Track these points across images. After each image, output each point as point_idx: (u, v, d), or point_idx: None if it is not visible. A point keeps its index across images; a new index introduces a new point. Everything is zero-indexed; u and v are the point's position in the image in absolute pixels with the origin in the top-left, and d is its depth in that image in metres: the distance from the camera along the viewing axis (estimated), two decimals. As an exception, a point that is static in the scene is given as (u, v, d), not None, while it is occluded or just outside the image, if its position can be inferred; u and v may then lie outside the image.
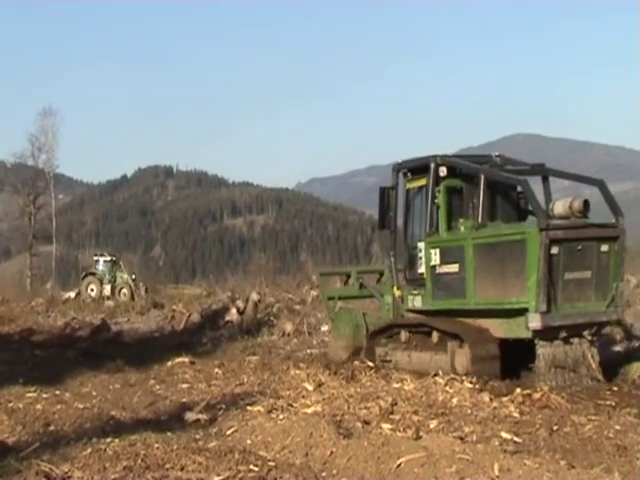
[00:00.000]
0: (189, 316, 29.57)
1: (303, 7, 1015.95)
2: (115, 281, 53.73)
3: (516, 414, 12.02)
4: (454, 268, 15.23)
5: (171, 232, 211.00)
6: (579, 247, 14.09)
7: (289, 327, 24.70)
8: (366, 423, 11.18)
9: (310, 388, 13.90)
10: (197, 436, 10.35)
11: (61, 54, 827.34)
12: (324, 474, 8.95)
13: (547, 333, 14.03)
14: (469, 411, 12.22)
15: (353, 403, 12.52)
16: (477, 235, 14.96)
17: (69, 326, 30.32)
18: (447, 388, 13.57)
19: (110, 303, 41.38)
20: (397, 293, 16.95)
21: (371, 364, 16.31)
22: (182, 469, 8.54)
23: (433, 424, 11.14)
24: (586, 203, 14.29)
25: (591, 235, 14.24)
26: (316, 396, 13.24)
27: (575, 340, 14.24)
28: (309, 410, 12.13)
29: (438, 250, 15.61)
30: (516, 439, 10.31)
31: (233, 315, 27.29)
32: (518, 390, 13.22)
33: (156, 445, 9.15)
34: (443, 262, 15.52)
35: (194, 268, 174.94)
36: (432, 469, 8.60)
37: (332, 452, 9.47)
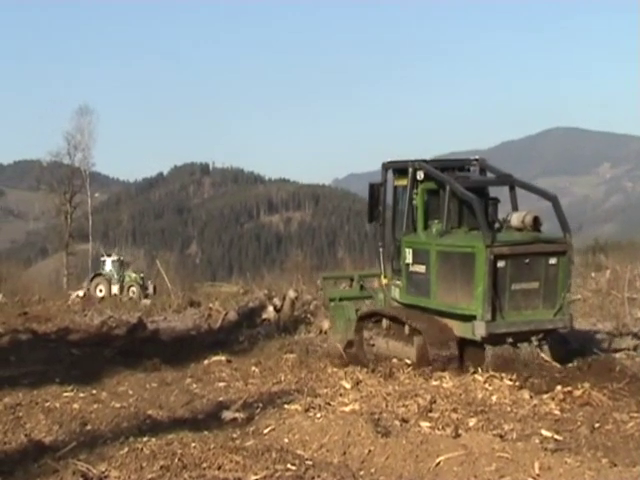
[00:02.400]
0: (226, 314, 29.60)
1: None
2: (123, 280, 54.58)
3: (557, 411, 11.97)
4: (422, 269, 16.28)
5: (207, 230, 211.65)
6: (527, 260, 15.09)
7: (326, 325, 24.63)
8: (404, 421, 11.19)
9: (348, 386, 13.91)
10: (234, 435, 10.38)
11: (97, 52, 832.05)
12: (362, 473, 8.98)
13: (493, 339, 15.01)
14: (509, 409, 12.18)
15: (391, 401, 12.51)
16: (439, 242, 15.97)
17: (105, 325, 30.51)
18: (486, 385, 13.54)
19: (147, 301, 41.58)
20: (384, 282, 18.00)
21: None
22: (219, 468, 8.59)
23: (472, 422, 11.12)
24: (536, 219, 15.57)
25: (538, 250, 15.23)
26: (354, 394, 13.24)
27: (524, 344, 15.15)
28: (347, 408, 12.13)
29: (411, 250, 16.70)
30: (557, 437, 10.27)
31: (270, 313, 27.29)
32: (559, 387, 13.13)
33: (193, 444, 9.21)
34: (414, 262, 16.57)
35: (231, 266, 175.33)
36: (471, 468, 8.59)
37: (370, 451, 9.49)
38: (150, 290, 53.05)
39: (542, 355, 15.09)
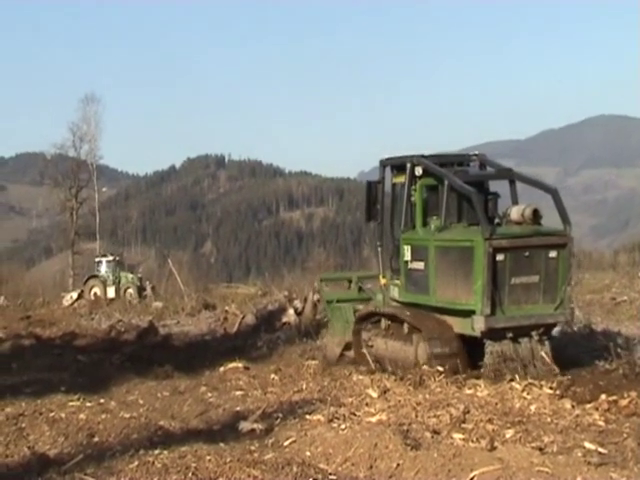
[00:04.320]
0: (243, 318, 29.67)
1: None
2: (120, 282, 55.12)
3: (601, 422, 11.91)
4: (421, 266, 16.86)
5: (223, 227, 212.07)
6: (526, 254, 15.71)
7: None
8: (436, 433, 11.18)
9: (374, 395, 13.91)
10: (252, 447, 10.38)
11: (104, 37, 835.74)
12: (390, 488, 8.98)
13: (493, 334, 15.61)
14: (549, 419, 12.15)
15: (421, 411, 12.50)
16: (438, 237, 16.54)
17: (114, 329, 30.66)
18: (524, 394, 13.53)
19: (158, 304, 41.73)
20: (383, 281, 18.53)
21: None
22: (236, 483, 8.62)
23: (509, 434, 11.09)
24: (535, 211, 16.08)
25: (537, 243, 15.87)
26: (381, 404, 13.24)
27: (524, 339, 15.72)
28: (373, 419, 12.14)
29: (410, 247, 17.24)
30: (601, 450, 10.20)
31: (290, 316, 27.30)
32: (603, 396, 13.09)
33: (208, 457, 9.23)
34: (413, 259, 17.15)
35: (248, 265, 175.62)
36: (508, 483, 8.57)
37: (399, 464, 9.49)
38: (148, 291, 53.53)
39: (542, 354, 15.67)
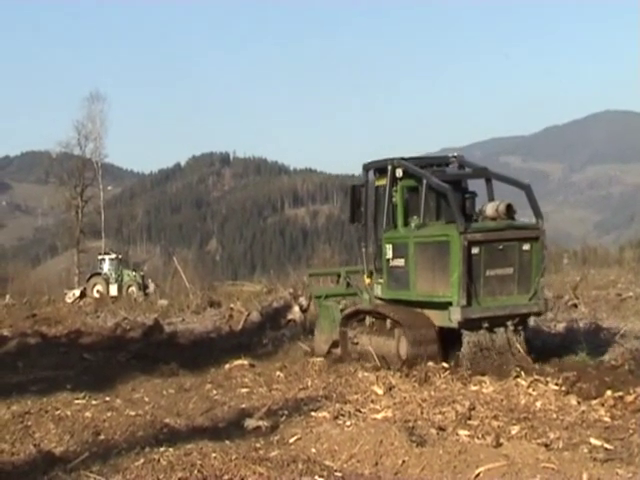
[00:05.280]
0: (248, 315, 29.71)
1: None
2: (122, 280, 55.33)
3: (607, 418, 11.89)
4: (402, 262, 17.61)
5: (228, 224, 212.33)
6: (500, 247, 16.48)
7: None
8: (441, 429, 11.16)
9: (380, 392, 13.90)
10: (257, 445, 10.34)
11: (107, 38, 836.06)
12: (395, 485, 8.96)
13: (469, 324, 16.35)
14: (554, 415, 12.13)
15: (427, 408, 12.49)
16: (417, 234, 17.31)
17: (119, 327, 30.76)
18: (530, 390, 13.49)
19: (163, 302, 41.77)
20: (367, 281, 19.28)
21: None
22: (241, 480, 8.60)
23: (515, 430, 11.07)
24: (509, 207, 16.83)
25: (511, 236, 16.61)
26: (386, 400, 13.23)
27: (500, 329, 16.49)
28: (379, 416, 12.13)
29: (391, 245, 17.99)
30: (607, 446, 10.18)
31: (296, 313, 27.28)
32: (609, 392, 13.05)
33: (213, 455, 9.20)
34: (395, 256, 17.90)
35: (253, 263, 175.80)
36: (514, 479, 8.55)
37: (404, 461, 9.47)
38: (151, 289, 53.80)
39: (517, 345, 16.44)
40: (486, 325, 16.38)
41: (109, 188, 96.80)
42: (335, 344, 19.61)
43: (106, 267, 57.10)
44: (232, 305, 34.29)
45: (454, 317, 16.22)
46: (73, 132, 76.01)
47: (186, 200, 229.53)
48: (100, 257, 59.62)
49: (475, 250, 16.18)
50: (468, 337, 16.45)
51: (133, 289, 54.61)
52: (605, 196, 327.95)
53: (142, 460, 9.15)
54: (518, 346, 16.41)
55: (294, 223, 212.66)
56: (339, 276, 22.09)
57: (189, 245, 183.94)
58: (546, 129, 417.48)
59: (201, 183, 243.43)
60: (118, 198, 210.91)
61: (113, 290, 54.91)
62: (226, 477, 8.66)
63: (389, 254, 17.97)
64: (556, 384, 13.80)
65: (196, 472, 8.69)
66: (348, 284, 21.15)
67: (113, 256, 58.80)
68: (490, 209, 17.03)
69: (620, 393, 13.00)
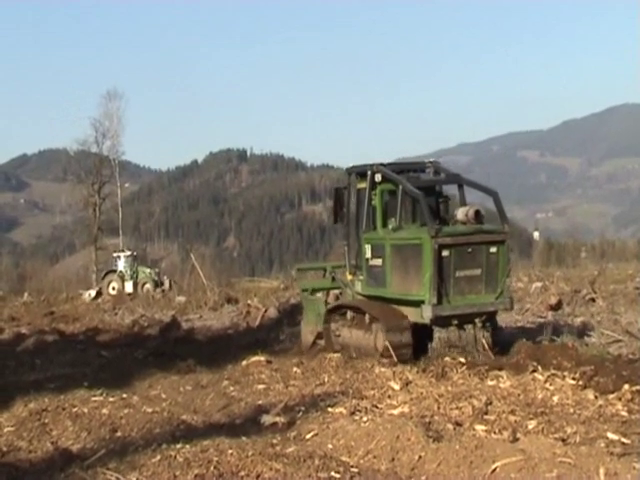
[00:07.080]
0: (265, 311, 29.69)
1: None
2: (137, 277, 55.63)
3: (624, 413, 11.84)
4: (379, 262, 18.75)
5: (246, 221, 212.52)
6: (469, 249, 17.56)
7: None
8: (458, 425, 11.16)
9: (396, 387, 13.91)
10: (274, 441, 10.35)
11: (126, 34, 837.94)
12: (412, 480, 8.95)
13: (440, 321, 17.43)
14: (572, 410, 12.10)
15: (443, 403, 12.48)
16: (393, 236, 18.43)
17: (137, 324, 30.79)
18: (547, 385, 13.47)
19: (181, 299, 41.83)
20: (349, 277, 20.29)
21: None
22: (258, 477, 8.62)
23: (532, 425, 11.06)
24: (477, 212, 17.85)
25: (478, 240, 17.64)
26: (403, 396, 13.23)
27: (468, 326, 17.58)
28: (395, 411, 12.14)
29: (370, 246, 19.12)
30: (624, 440, 10.14)
31: (313, 310, 27.29)
32: (626, 386, 12.98)
33: (230, 451, 9.22)
34: (373, 256, 19.04)
35: (271, 259, 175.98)
36: (530, 474, 8.53)
37: (421, 457, 9.46)
38: (166, 286, 54.11)
39: (483, 341, 17.48)
40: (456, 322, 17.46)
41: (126, 185, 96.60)
42: (320, 336, 20.62)
43: (121, 265, 57.44)
44: (249, 301, 34.31)
45: (426, 314, 17.30)
46: (91, 130, 75.90)
47: (203, 197, 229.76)
48: (115, 255, 60.08)
49: (445, 253, 17.26)
50: (438, 333, 17.52)
51: (148, 286, 54.87)
52: (624, 190, 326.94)
53: (159, 457, 9.19)
54: (483, 342, 17.43)
55: (311, 219, 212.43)
56: (325, 271, 22.99)
57: (207, 242, 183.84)
58: (564, 123, 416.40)
59: (218, 180, 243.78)
60: (136, 195, 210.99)
61: (128, 287, 55.31)
62: (242, 473, 8.68)
63: (368, 254, 19.09)
64: (573, 378, 13.77)
65: (212, 468, 8.71)
66: (333, 279, 21.98)
67: (128, 253, 59.21)
68: (460, 214, 18.11)
69: (638, 387, 12.92)
